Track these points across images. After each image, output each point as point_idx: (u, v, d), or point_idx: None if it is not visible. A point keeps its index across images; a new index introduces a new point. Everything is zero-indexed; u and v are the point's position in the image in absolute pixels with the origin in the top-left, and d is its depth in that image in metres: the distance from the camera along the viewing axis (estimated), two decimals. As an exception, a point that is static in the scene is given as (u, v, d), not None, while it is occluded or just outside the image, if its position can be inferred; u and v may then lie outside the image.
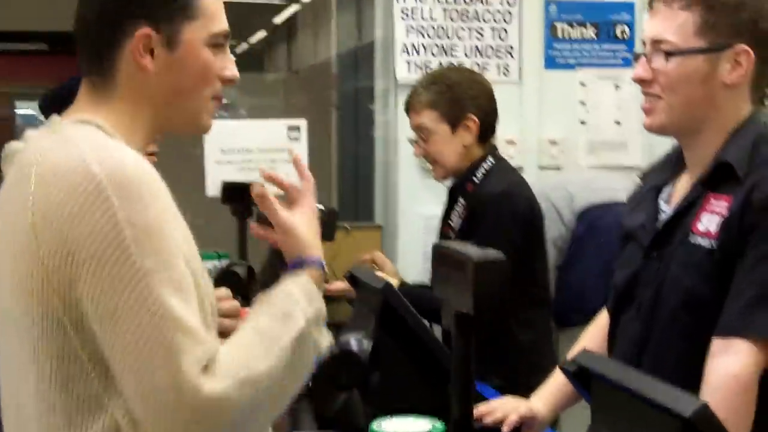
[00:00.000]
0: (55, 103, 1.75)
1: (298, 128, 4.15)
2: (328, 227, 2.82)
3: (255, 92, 6.86)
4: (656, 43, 2.07)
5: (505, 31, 4.33)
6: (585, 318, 2.53)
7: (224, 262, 3.60)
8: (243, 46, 9.75)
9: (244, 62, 8.54)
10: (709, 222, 2.00)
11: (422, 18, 4.25)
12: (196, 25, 1.63)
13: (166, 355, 1.39)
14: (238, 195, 3.73)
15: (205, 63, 1.64)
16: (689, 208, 2.06)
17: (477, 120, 3.20)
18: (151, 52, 1.60)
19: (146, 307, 1.40)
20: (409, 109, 3.32)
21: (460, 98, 3.20)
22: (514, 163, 3.94)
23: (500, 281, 1.50)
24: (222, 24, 1.67)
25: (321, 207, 2.92)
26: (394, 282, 3.28)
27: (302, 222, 1.75)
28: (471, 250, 1.53)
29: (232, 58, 1.71)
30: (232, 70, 1.70)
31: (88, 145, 1.49)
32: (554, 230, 3.80)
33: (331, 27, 5.67)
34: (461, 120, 3.20)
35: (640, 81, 2.11)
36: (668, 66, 2.04)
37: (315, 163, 4.67)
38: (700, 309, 2.00)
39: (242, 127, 4.22)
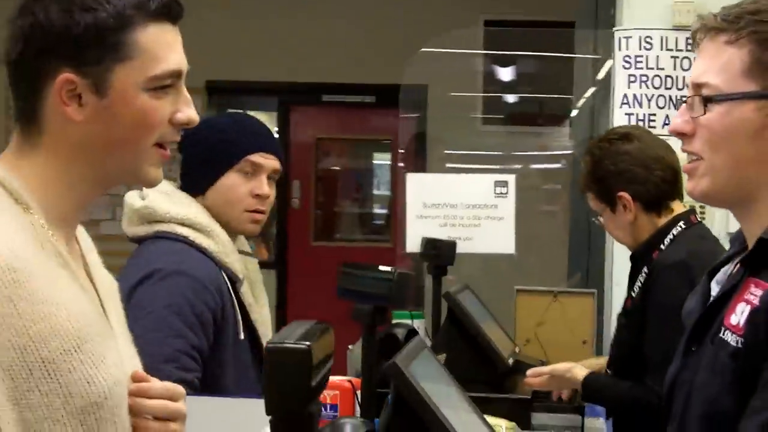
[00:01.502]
0: None
1: (505, 183, 3.90)
2: (398, 292, 2.56)
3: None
4: (697, 87, 1.66)
5: (747, 80, 3.81)
6: None
7: (416, 323, 3.46)
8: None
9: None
10: (742, 314, 1.57)
11: (647, 67, 3.84)
12: (129, 67, 1.44)
13: None
14: (438, 252, 3.58)
15: (141, 110, 1.45)
16: (729, 294, 1.64)
17: (630, 197, 2.82)
18: (79, 99, 1.44)
19: None
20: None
21: (605, 177, 2.85)
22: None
23: (296, 376, 1.24)
24: (167, 63, 1.47)
25: (390, 270, 2.67)
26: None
27: None
28: (284, 333, 1.29)
29: (188, 98, 1.51)
30: (186, 112, 1.50)
31: None
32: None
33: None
34: (614, 199, 2.85)
35: (679, 134, 1.70)
36: (709, 116, 1.63)
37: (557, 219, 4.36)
38: (722, 425, 1.57)
39: (446, 180, 4.02)
